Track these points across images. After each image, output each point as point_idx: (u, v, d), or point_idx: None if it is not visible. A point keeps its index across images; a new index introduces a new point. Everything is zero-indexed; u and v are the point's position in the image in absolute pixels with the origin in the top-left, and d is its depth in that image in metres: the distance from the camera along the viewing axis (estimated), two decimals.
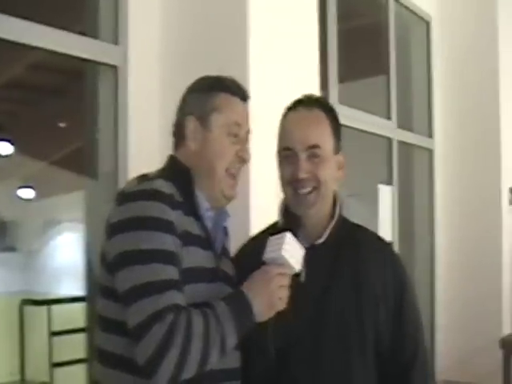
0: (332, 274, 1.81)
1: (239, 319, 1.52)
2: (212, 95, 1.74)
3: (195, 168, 1.71)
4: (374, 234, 1.99)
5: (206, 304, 1.52)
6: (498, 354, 4.69)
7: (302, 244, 1.67)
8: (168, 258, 1.51)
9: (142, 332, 1.42)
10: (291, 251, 1.61)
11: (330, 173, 1.85)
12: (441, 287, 5.82)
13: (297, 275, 1.67)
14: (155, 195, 1.55)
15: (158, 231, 1.51)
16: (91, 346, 2.48)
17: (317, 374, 1.75)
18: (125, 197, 1.59)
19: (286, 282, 1.61)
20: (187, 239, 1.59)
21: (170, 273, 1.49)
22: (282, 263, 1.60)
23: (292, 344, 1.75)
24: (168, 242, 1.52)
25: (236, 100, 1.77)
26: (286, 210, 1.87)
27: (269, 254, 1.62)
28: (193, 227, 1.64)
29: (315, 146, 1.82)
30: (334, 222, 1.87)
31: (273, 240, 1.64)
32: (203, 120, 1.72)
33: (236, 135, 1.74)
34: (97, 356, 1.66)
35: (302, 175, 1.80)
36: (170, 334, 1.40)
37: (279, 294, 1.58)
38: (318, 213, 1.85)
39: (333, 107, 1.95)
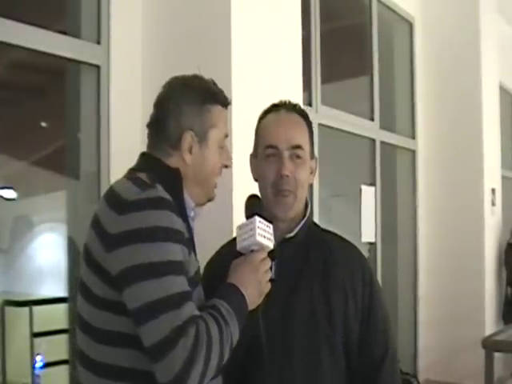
0: (301, 269, 1.85)
1: (239, 315, 1.54)
2: (208, 109, 1.71)
3: (184, 175, 1.68)
4: (342, 237, 2.03)
5: (210, 305, 1.52)
6: (481, 354, 4.71)
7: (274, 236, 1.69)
8: (178, 268, 1.47)
9: (166, 348, 1.37)
10: (263, 233, 1.63)
11: (307, 175, 1.90)
12: (423, 287, 5.86)
13: (272, 251, 1.69)
14: (162, 203, 1.51)
15: (167, 241, 1.47)
16: (73, 348, 2.45)
17: (287, 366, 1.78)
18: (128, 205, 1.50)
19: (269, 264, 1.66)
20: (188, 245, 1.57)
21: (183, 284, 1.46)
22: (259, 247, 1.63)
23: (264, 338, 1.76)
24: (177, 252, 1.48)
25: (225, 112, 1.77)
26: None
27: (242, 242, 1.64)
28: (184, 230, 1.59)
29: (299, 147, 1.86)
30: (304, 220, 1.92)
31: (243, 227, 1.66)
32: (202, 136, 1.70)
33: (224, 146, 1.76)
34: (92, 368, 1.57)
35: (286, 172, 1.83)
36: (195, 347, 1.38)
37: (266, 279, 1.64)
38: (292, 213, 1.89)
39: (308, 114, 1.98)
